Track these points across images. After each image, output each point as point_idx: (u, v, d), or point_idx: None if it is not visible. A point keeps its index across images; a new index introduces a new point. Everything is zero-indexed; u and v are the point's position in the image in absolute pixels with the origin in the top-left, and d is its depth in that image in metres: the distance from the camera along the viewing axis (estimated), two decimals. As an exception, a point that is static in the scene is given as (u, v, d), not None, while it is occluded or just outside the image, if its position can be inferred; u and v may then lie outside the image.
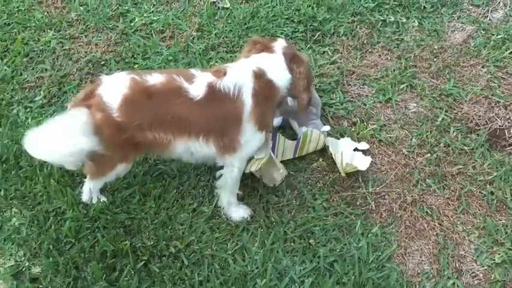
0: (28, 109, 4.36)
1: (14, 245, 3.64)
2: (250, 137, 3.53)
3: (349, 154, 4.06)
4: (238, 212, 3.82)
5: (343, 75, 4.68)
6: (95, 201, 3.76)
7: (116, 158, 3.51)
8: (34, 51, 4.79)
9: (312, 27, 5.02)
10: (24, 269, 3.55)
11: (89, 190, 3.75)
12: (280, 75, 3.57)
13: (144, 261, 3.55)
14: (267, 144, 3.81)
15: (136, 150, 3.52)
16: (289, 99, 4.20)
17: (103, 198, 3.79)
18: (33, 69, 4.66)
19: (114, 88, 3.32)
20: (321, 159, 4.09)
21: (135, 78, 3.33)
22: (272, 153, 3.91)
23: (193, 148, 3.48)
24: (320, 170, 4.07)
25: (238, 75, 3.45)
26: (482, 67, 4.79)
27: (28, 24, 4.98)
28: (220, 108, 3.39)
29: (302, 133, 4.01)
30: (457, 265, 3.70)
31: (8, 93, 4.45)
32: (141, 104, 3.31)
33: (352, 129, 4.33)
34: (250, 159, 3.76)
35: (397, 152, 4.23)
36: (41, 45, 4.81)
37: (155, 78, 3.33)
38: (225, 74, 3.44)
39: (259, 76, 3.49)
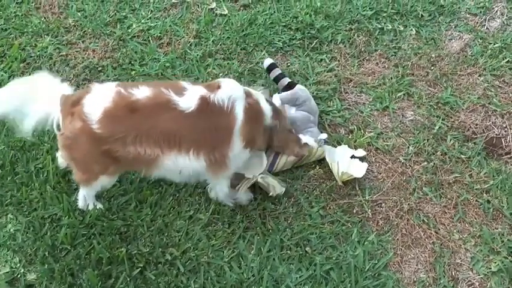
0: (25, 115, 4.34)
1: (10, 252, 3.63)
2: (237, 153, 3.53)
3: (345, 162, 4.05)
4: (243, 196, 3.89)
5: (340, 83, 4.68)
6: (91, 207, 3.75)
7: (96, 169, 3.49)
8: (31, 56, 4.79)
9: (309, 34, 5.02)
10: (19, 276, 3.54)
11: (84, 197, 3.74)
12: (264, 102, 3.65)
13: (140, 268, 3.54)
14: (260, 164, 3.88)
15: (116, 164, 3.44)
16: (287, 107, 4.20)
17: (99, 205, 3.78)
18: (30, 74, 4.63)
19: (97, 99, 3.28)
20: (317, 167, 4.09)
21: (120, 92, 3.29)
22: (267, 173, 3.95)
23: (182, 163, 3.42)
24: (317, 177, 4.07)
25: (233, 89, 3.44)
26: (479, 76, 4.80)
27: (25, 30, 4.98)
28: (213, 121, 3.38)
29: None
30: (453, 273, 3.70)
31: (4, 99, 4.44)
32: (122, 119, 3.27)
33: (349, 137, 4.33)
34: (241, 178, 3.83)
35: (394, 160, 4.23)
36: (38, 51, 4.81)
37: (141, 93, 3.28)
38: (219, 87, 3.42)
39: (249, 95, 3.53)
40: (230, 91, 3.41)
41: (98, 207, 3.76)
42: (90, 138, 3.27)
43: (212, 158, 3.45)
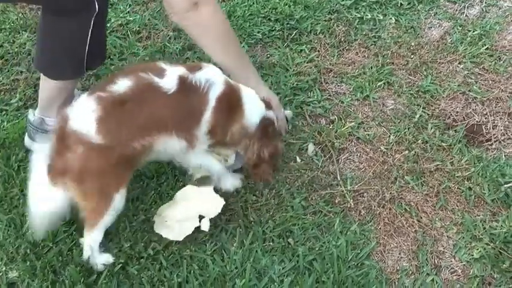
0: (4, 112, 4.31)
1: (-9, 250, 3.62)
2: (201, 138, 3.45)
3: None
4: (229, 181, 3.84)
5: (320, 74, 4.68)
6: (98, 260, 3.51)
7: (112, 186, 3.26)
8: (9, 53, 4.75)
9: (289, 25, 5.01)
10: (1, 274, 3.51)
11: (90, 246, 3.45)
12: (250, 102, 3.58)
13: (121, 264, 3.52)
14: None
15: (129, 168, 3.33)
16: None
17: (110, 258, 3.54)
18: (8, 71, 4.61)
19: (83, 117, 3.13)
20: (298, 159, 4.09)
21: (100, 95, 3.16)
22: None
23: (169, 144, 3.34)
24: (298, 168, 4.06)
25: (212, 74, 3.40)
26: (459, 63, 4.81)
27: (3, 26, 4.94)
28: (189, 101, 3.31)
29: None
30: (436, 261, 3.71)
31: (-17, 97, 4.42)
32: (118, 117, 3.15)
33: (330, 127, 4.33)
34: None
35: (375, 149, 4.24)
36: (16, 48, 4.77)
37: (121, 85, 3.17)
38: (200, 69, 3.38)
39: (231, 87, 3.48)
40: (209, 74, 3.36)
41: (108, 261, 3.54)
42: (98, 154, 3.11)
43: (189, 139, 3.37)
